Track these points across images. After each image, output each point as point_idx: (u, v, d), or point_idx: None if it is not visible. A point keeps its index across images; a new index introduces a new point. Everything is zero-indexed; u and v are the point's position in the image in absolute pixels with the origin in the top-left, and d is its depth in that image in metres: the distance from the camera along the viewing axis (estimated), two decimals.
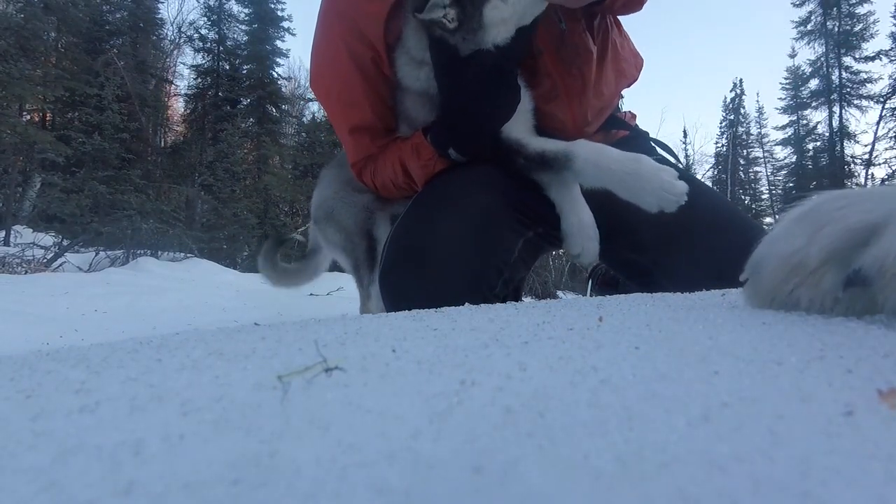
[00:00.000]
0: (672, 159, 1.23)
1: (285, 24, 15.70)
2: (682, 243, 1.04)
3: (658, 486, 0.17)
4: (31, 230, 6.35)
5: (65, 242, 5.44)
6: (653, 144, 1.24)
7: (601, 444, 0.21)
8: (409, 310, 0.69)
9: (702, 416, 0.23)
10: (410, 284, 0.97)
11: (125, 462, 0.21)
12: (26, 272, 4.00)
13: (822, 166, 20.61)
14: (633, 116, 1.29)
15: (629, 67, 1.17)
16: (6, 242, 5.67)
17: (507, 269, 1.04)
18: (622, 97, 1.23)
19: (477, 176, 1.07)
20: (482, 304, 0.74)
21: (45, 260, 4.61)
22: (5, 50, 5.96)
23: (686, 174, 1.16)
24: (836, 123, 19.76)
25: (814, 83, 20.71)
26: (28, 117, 10.75)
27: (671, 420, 0.23)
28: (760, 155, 24.44)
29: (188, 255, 5.96)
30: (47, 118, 12.33)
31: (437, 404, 0.27)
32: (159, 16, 15.31)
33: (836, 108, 19.75)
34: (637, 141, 1.20)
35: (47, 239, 5.69)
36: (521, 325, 0.52)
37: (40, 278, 3.09)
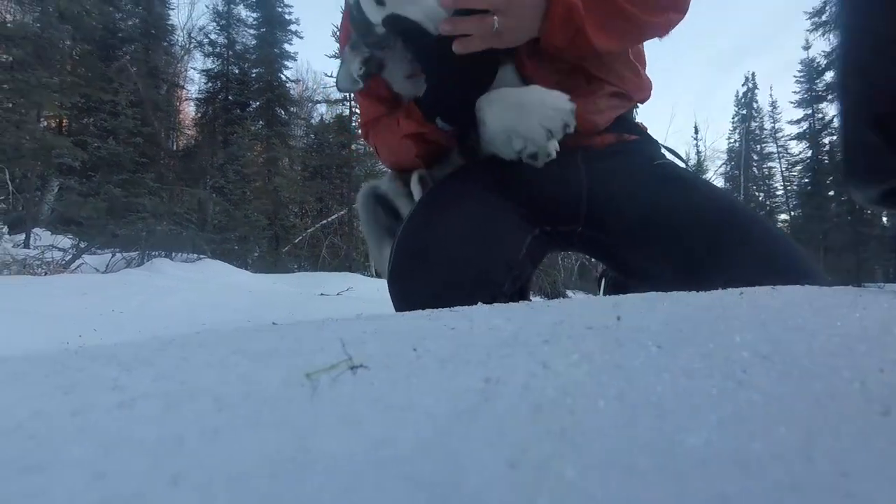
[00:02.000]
0: (681, 163, 1.24)
1: (293, 28, 15.82)
2: (649, 239, 1.03)
3: (695, 483, 0.17)
4: (49, 233, 6.47)
5: (82, 244, 5.53)
6: (663, 150, 1.23)
7: (634, 442, 0.21)
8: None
9: (733, 414, 0.23)
10: (419, 288, 0.98)
11: (167, 455, 0.22)
12: (46, 273, 4.07)
13: (839, 161, 20.26)
14: (644, 128, 1.29)
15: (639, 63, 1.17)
16: (26, 245, 5.78)
17: (516, 266, 1.03)
18: (636, 106, 1.21)
19: (480, 177, 1.08)
20: (497, 304, 0.75)
21: (63, 261, 4.69)
22: (23, 59, 6.07)
23: (685, 172, 1.17)
24: None
25: (829, 75, 20.37)
26: (46, 123, 10.95)
27: (702, 418, 0.23)
28: (774, 150, 24.11)
29: (201, 256, 6.03)
30: (64, 124, 12.55)
31: (465, 401, 0.28)
32: (170, 22, 15.52)
33: None
34: (647, 145, 1.19)
35: (65, 241, 5.79)
36: (539, 323, 0.53)
37: (59, 279, 3.14)
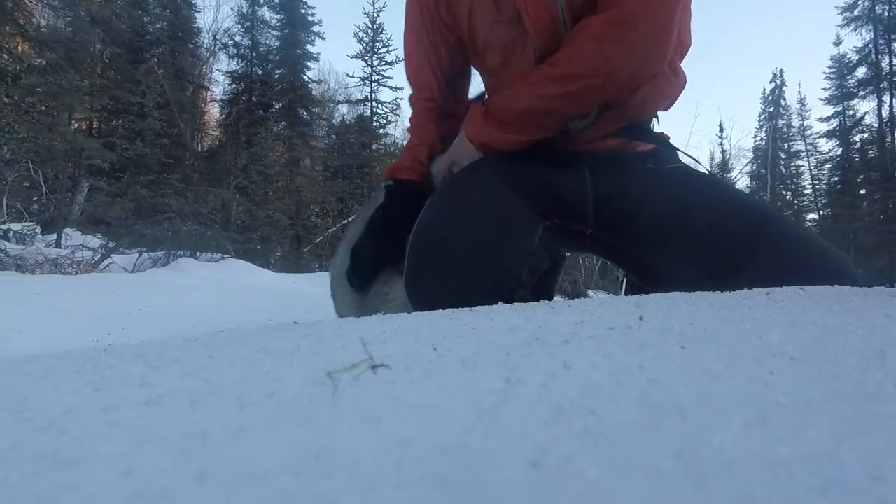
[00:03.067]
0: (702, 168, 1.22)
1: (315, 29, 16.00)
2: (668, 243, 1.03)
3: (721, 486, 0.17)
4: (80, 233, 6.67)
5: (111, 244, 5.68)
6: (680, 156, 1.21)
7: (657, 443, 0.20)
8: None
9: (759, 416, 0.23)
10: (437, 288, 0.98)
11: (193, 452, 0.22)
12: (76, 273, 4.20)
13: (871, 159, 19.66)
14: (666, 136, 1.27)
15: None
16: (58, 244, 5.96)
17: (531, 258, 1.04)
18: (656, 115, 1.18)
19: (488, 173, 1.09)
20: (517, 303, 0.74)
21: (93, 261, 4.82)
22: (56, 62, 6.27)
23: (703, 175, 1.16)
24: (885, 113, 18.82)
25: (861, 71, 19.76)
26: (76, 125, 11.29)
27: (727, 420, 0.22)
28: (803, 148, 23.49)
29: (224, 255, 6.14)
30: (94, 126, 12.92)
31: (485, 401, 0.28)
32: (196, 25, 15.84)
33: (886, 98, 18.81)
34: (664, 153, 1.16)
35: (95, 241, 5.96)
36: (560, 323, 0.52)
37: (89, 279, 3.24)
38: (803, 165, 23.50)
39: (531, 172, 1.08)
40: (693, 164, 1.21)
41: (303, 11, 15.84)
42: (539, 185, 1.08)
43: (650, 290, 1.06)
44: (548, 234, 1.08)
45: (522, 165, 1.07)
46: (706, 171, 1.23)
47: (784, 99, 24.10)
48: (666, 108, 1.18)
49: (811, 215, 22.99)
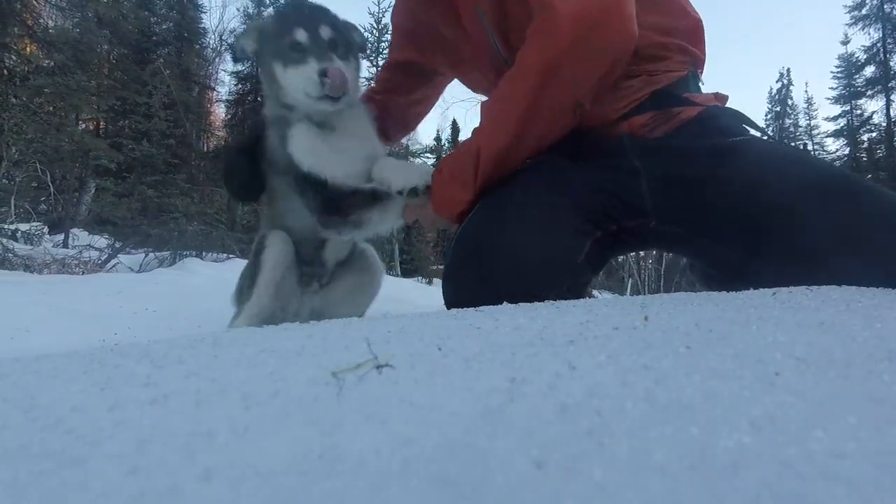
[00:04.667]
0: (763, 136, 1.07)
1: None
2: (745, 230, 0.90)
3: (730, 485, 0.17)
4: (87, 233, 6.71)
5: (117, 244, 5.71)
6: (741, 122, 1.04)
7: (662, 443, 0.20)
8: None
9: (766, 416, 0.22)
10: (474, 285, 0.97)
11: (199, 450, 0.22)
12: (83, 273, 4.22)
13: (879, 158, 19.49)
14: (723, 97, 1.09)
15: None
16: (65, 244, 6.00)
17: (574, 272, 1.00)
18: (684, 73, 1.05)
19: (544, 177, 1.04)
20: (522, 304, 0.74)
21: (99, 261, 4.85)
22: (64, 63, 6.30)
23: (777, 147, 1.02)
24: (893, 113, 18.66)
25: (869, 70, 19.61)
26: (83, 126, 11.36)
27: (733, 420, 0.22)
28: (810, 147, 23.34)
29: (230, 255, 6.16)
30: (100, 126, 13.00)
31: (490, 401, 0.28)
32: (202, 25, 15.91)
33: (894, 97, 18.65)
34: (717, 120, 1.01)
35: (101, 241, 5.99)
36: (564, 323, 0.52)
37: (96, 278, 3.25)
38: None
39: (580, 173, 1.02)
40: (749, 129, 1.03)
41: None
42: (587, 186, 1.01)
43: (731, 286, 0.89)
44: (596, 248, 1.02)
45: (570, 168, 1.03)
46: (773, 140, 1.08)
47: (791, 98, 23.93)
48: (696, 60, 1.07)
49: None
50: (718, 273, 1.03)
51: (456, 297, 0.99)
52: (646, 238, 1.07)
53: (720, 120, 1.02)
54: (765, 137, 1.06)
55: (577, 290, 1.02)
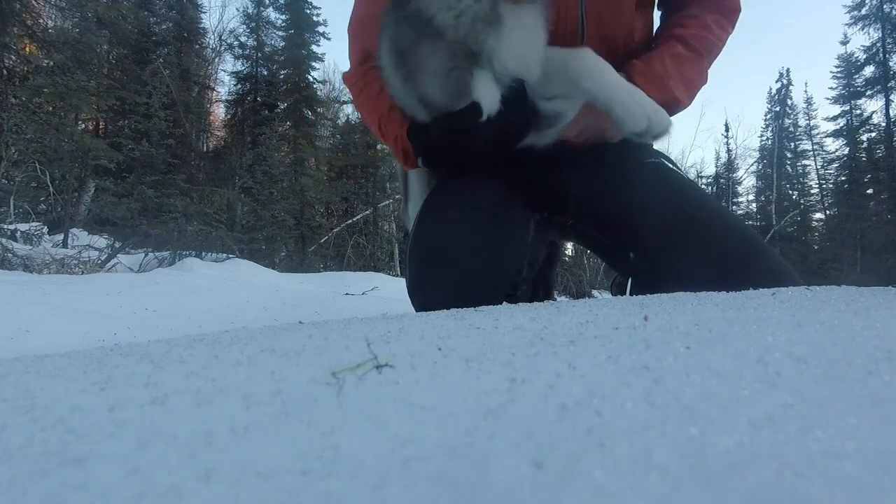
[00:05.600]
0: (678, 170, 1.20)
1: (321, 29, 16.02)
2: (683, 243, 1.03)
3: (729, 486, 0.17)
4: (86, 233, 6.71)
5: (117, 244, 5.72)
6: (663, 159, 1.19)
7: (662, 443, 0.20)
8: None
9: (765, 416, 0.22)
10: (440, 290, 1.00)
11: (199, 451, 0.22)
12: (83, 272, 4.22)
13: (878, 158, 19.51)
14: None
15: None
16: (65, 244, 6.00)
17: (528, 250, 1.07)
18: None
19: (482, 171, 1.10)
20: (522, 303, 0.74)
21: (99, 261, 4.85)
22: (63, 63, 6.31)
23: (690, 183, 1.17)
24: (893, 112, 18.68)
25: (868, 70, 19.63)
26: (83, 126, 11.37)
27: (733, 420, 0.22)
28: (809, 148, 23.35)
29: (229, 255, 6.16)
30: (100, 126, 13.01)
31: (490, 401, 0.28)
32: (201, 25, 15.92)
33: (894, 97, 18.67)
34: (636, 146, 1.12)
35: (101, 241, 6.00)
36: (564, 323, 0.52)
37: (95, 278, 3.25)
38: (810, 165, 23.36)
39: (522, 168, 1.10)
40: (664, 162, 1.19)
41: (308, 12, 15.87)
42: (526, 179, 1.10)
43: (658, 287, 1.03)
44: (539, 228, 1.12)
45: (515, 161, 1.09)
46: (676, 168, 1.20)
47: (790, 98, 23.95)
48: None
49: (818, 215, 22.87)
50: (623, 275, 1.19)
51: (428, 301, 1.00)
52: (565, 233, 1.20)
53: (638, 147, 1.14)
54: (670, 165, 1.21)
55: (540, 273, 1.14)
